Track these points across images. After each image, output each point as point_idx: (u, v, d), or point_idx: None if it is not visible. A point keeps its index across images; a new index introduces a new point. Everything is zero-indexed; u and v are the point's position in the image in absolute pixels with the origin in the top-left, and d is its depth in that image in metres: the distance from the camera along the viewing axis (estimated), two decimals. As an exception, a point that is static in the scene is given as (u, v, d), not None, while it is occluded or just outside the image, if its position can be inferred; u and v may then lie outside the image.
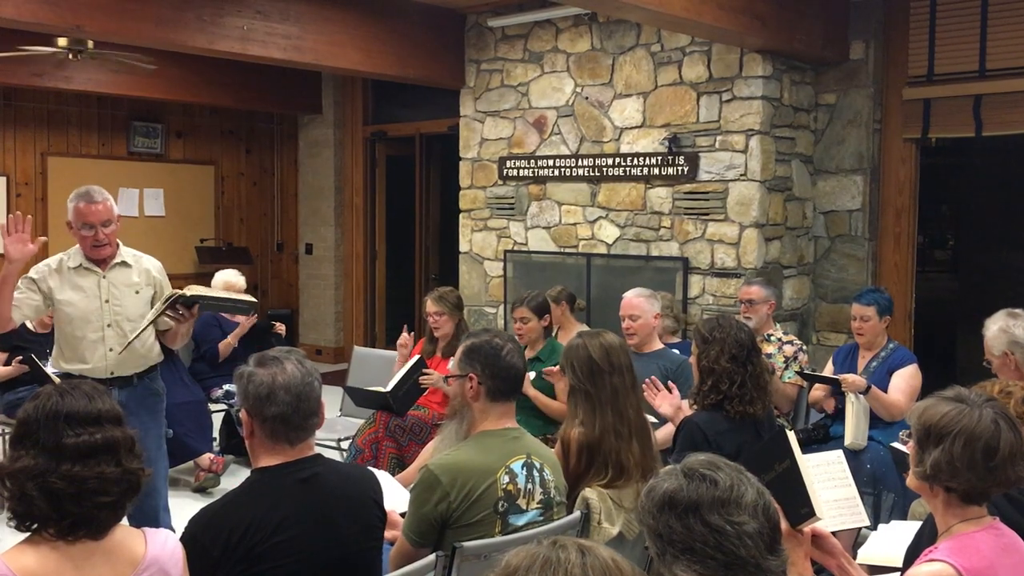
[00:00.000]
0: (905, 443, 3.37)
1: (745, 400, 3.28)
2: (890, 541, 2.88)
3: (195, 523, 2.18)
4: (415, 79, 7.25)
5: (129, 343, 3.68)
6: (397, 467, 4.46)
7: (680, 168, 6.19)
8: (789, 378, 4.77)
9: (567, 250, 6.85)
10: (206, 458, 5.49)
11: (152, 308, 3.88)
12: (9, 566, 1.76)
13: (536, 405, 4.56)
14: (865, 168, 6.18)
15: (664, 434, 3.83)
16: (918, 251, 6.40)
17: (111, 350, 3.74)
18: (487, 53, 7.23)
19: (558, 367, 4.00)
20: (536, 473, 2.72)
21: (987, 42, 5.73)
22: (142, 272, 3.87)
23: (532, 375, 4.66)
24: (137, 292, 3.83)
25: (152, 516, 3.78)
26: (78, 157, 8.46)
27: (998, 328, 3.57)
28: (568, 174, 6.77)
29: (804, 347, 4.99)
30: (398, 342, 4.98)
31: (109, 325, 3.75)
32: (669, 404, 3.63)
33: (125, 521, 1.96)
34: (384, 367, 5.33)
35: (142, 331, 3.65)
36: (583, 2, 5.19)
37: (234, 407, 5.73)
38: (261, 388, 2.22)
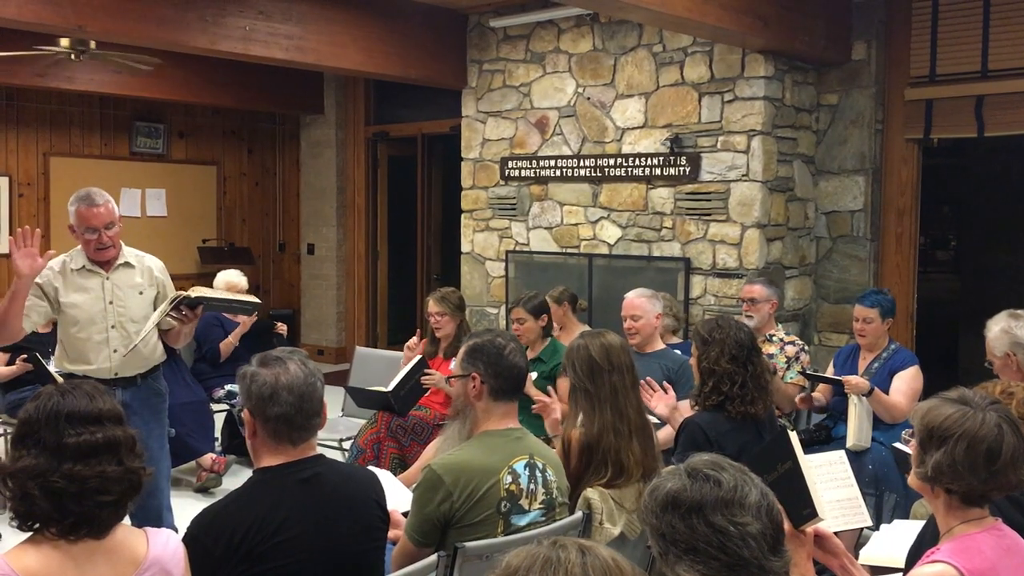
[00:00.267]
0: (907, 443, 3.36)
1: (746, 400, 3.28)
2: (892, 541, 2.88)
3: (197, 523, 2.18)
4: (417, 79, 7.25)
5: (134, 346, 3.68)
6: (399, 467, 4.46)
7: (682, 168, 6.19)
8: (791, 378, 4.76)
9: (569, 250, 6.86)
10: (208, 458, 5.49)
11: (155, 308, 3.89)
12: (11, 565, 1.77)
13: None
14: (867, 168, 6.18)
15: (665, 435, 3.83)
16: (920, 252, 6.40)
17: (115, 351, 3.75)
18: (489, 53, 7.23)
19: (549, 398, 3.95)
20: (539, 473, 2.72)
21: (989, 43, 5.72)
22: (145, 272, 3.87)
23: (534, 375, 4.66)
24: (141, 293, 3.84)
25: (155, 516, 3.78)
26: (80, 157, 8.47)
27: (1000, 329, 3.56)
28: (570, 174, 6.77)
29: (806, 347, 4.99)
30: (407, 344, 4.98)
31: (113, 326, 3.75)
32: (664, 405, 3.65)
33: (127, 521, 1.96)
34: (386, 367, 5.33)
35: (147, 334, 3.65)
36: (585, 2, 5.19)
37: (236, 407, 5.73)
38: (264, 388, 2.22)
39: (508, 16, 6.99)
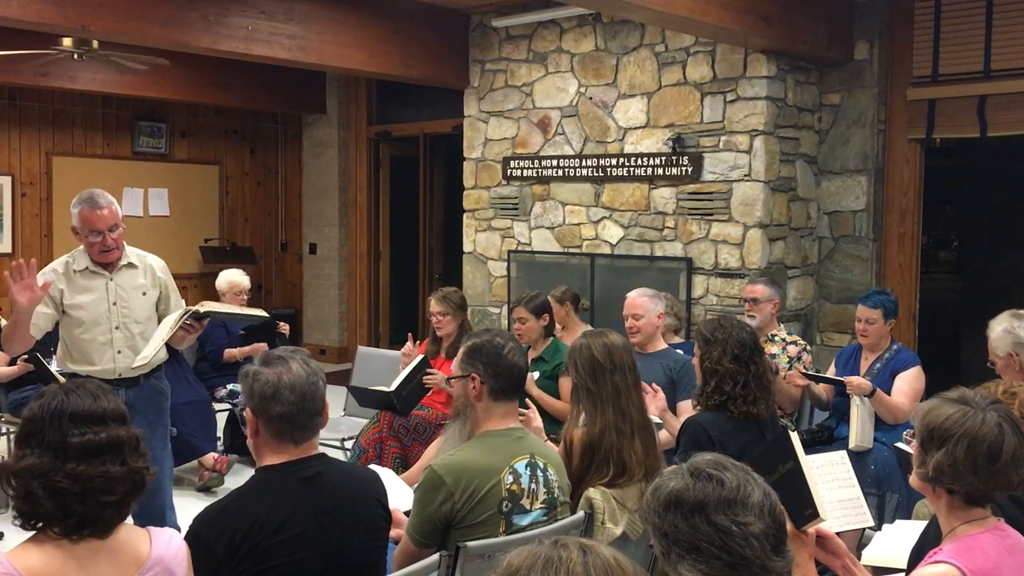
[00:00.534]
0: (909, 443, 3.36)
1: (748, 400, 3.28)
2: (894, 542, 2.87)
3: (199, 522, 2.19)
4: (419, 79, 7.26)
5: (144, 361, 3.68)
6: (401, 467, 4.46)
7: (684, 168, 6.19)
8: (793, 378, 4.76)
9: (571, 250, 6.86)
10: (210, 457, 5.50)
11: (157, 309, 3.91)
12: (14, 564, 1.77)
13: (540, 405, 4.56)
14: (869, 169, 6.17)
15: (666, 435, 3.83)
16: (922, 252, 6.39)
17: (119, 352, 3.76)
18: (491, 53, 7.23)
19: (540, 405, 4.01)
20: (540, 473, 2.72)
21: (992, 43, 5.72)
22: (148, 272, 3.88)
23: (536, 375, 4.67)
24: (144, 294, 3.85)
25: (158, 515, 3.79)
26: (83, 157, 8.47)
27: (1002, 329, 3.56)
28: (572, 174, 6.77)
29: (808, 347, 4.98)
30: (402, 351, 4.98)
31: (117, 327, 3.76)
32: (655, 407, 3.70)
33: (130, 520, 1.96)
34: (388, 367, 5.33)
35: (156, 350, 3.66)
36: (587, 2, 5.19)
37: (238, 406, 5.74)
38: (266, 387, 2.23)
39: (510, 16, 6.99)
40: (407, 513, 2.70)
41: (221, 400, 5.92)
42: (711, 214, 6.13)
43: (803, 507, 2.01)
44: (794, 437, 2.12)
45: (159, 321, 3.92)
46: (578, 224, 6.81)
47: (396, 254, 9.57)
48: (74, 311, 3.72)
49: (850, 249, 6.28)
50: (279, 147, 9.94)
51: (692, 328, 5.88)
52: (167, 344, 3.96)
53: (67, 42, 5.93)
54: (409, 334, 5.12)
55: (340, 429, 5.41)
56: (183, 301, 4.10)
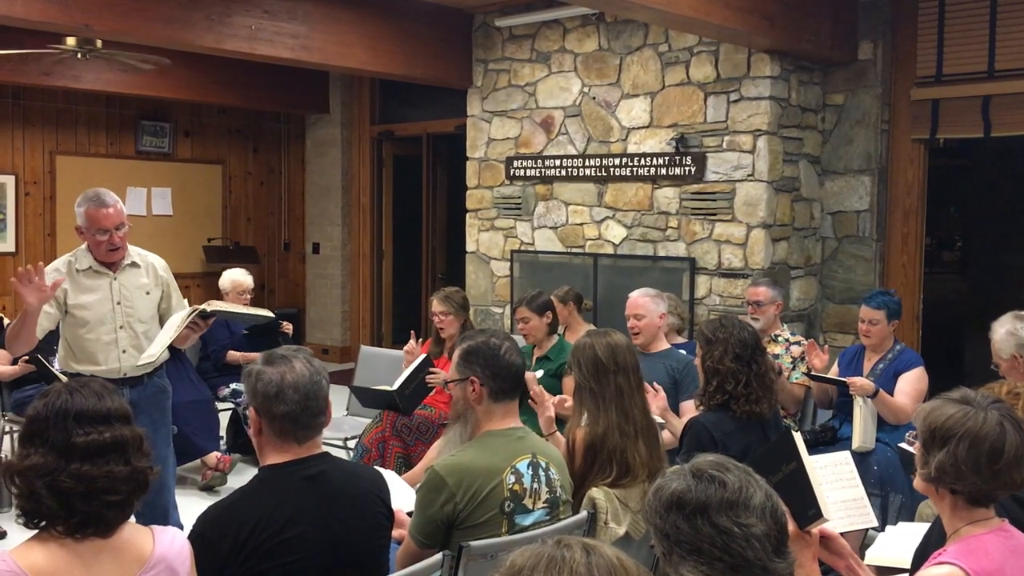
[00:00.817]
0: (912, 444, 3.36)
1: (751, 399, 3.28)
2: (898, 542, 2.87)
3: (203, 521, 2.19)
4: (422, 79, 7.26)
5: (152, 360, 3.69)
6: (403, 466, 4.46)
7: (687, 168, 6.18)
8: (796, 379, 4.76)
9: (574, 250, 6.85)
10: (213, 457, 5.51)
11: (159, 308, 3.92)
12: (18, 563, 1.77)
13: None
14: (873, 169, 6.17)
15: (668, 435, 3.83)
16: (926, 252, 6.38)
17: (124, 351, 3.76)
18: (494, 53, 7.23)
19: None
20: (542, 472, 2.71)
21: (996, 43, 5.71)
22: (150, 272, 3.89)
23: (540, 373, 4.66)
24: (147, 293, 3.85)
25: (162, 513, 3.80)
26: (86, 156, 8.48)
27: (1006, 331, 3.55)
28: (575, 174, 6.77)
29: (814, 342, 4.96)
30: (405, 348, 4.98)
31: (121, 327, 3.76)
32: (656, 406, 3.71)
33: (133, 518, 1.96)
34: (390, 366, 5.33)
35: (163, 349, 3.67)
36: (591, 2, 5.19)
37: (241, 406, 5.75)
38: (270, 387, 2.23)
39: (514, 15, 6.98)
40: (409, 514, 2.70)
41: (224, 399, 5.92)
42: (714, 214, 6.12)
43: (807, 507, 2.01)
44: (797, 437, 2.12)
45: (160, 321, 3.93)
46: (581, 224, 6.80)
47: (399, 254, 9.57)
48: (78, 311, 3.71)
49: (853, 249, 6.28)
50: (282, 147, 9.95)
51: (695, 328, 5.88)
52: (176, 344, 3.97)
53: (71, 41, 5.93)
54: (412, 332, 5.13)
55: (343, 429, 5.41)
56: (185, 301, 4.11)
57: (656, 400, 3.76)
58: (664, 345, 4.54)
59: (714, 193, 6.11)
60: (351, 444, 5.24)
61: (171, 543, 1.96)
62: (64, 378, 3.84)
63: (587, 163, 6.70)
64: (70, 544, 1.81)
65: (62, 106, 8.32)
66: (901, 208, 6.19)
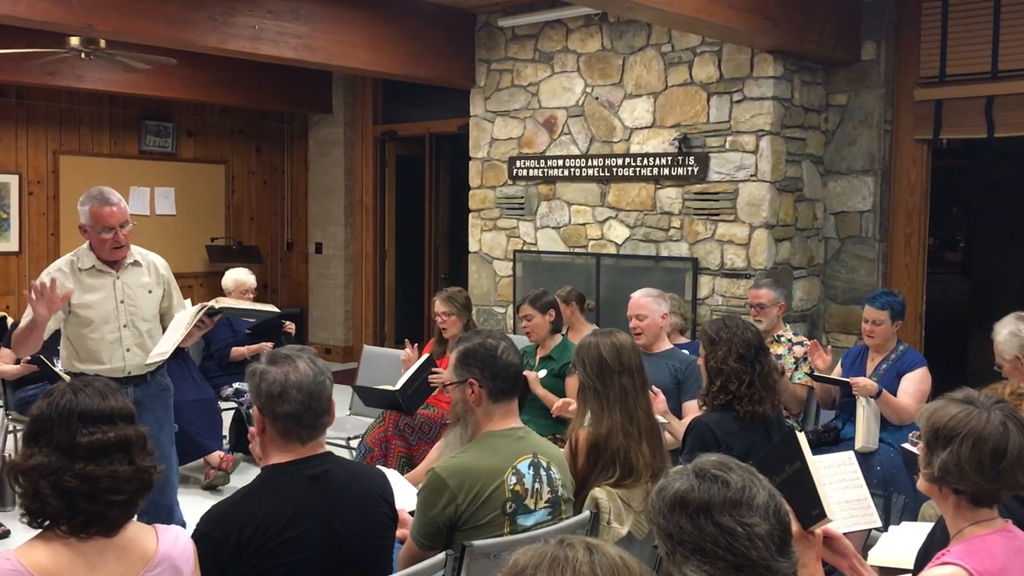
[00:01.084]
0: (915, 444, 3.36)
1: (754, 399, 3.28)
2: (901, 543, 2.87)
3: (206, 520, 2.19)
4: (425, 79, 7.26)
5: (165, 354, 3.71)
6: (406, 466, 4.46)
7: (690, 168, 6.18)
8: (799, 379, 4.75)
9: (576, 250, 6.85)
10: (216, 456, 5.51)
11: (161, 307, 3.92)
12: (22, 562, 1.77)
13: (545, 404, 4.56)
14: (876, 169, 6.16)
15: (669, 437, 3.83)
16: (928, 253, 6.38)
17: (128, 350, 3.77)
18: (497, 53, 7.23)
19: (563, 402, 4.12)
20: (543, 472, 2.71)
21: (999, 43, 5.70)
22: (152, 270, 3.90)
23: (543, 373, 4.67)
24: (150, 292, 3.86)
25: (166, 511, 3.81)
26: (90, 156, 8.50)
27: (1008, 332, 3.55)
28: (578, 174, 6.77)
29: (817, 343, 4.96)
30: (401, 358, 4.97)
31: (125, 325, 3.77)
32: (656, 410, 3.70)
33: (136, 517, 1.96)
34: (393, 366, 5.33)
35: (175, 345, 3.69)
36: (594, 2, 5.19)
37: (244, 405, 5.75)
38: (273, 386, 2.23)
39: (517, 15, 6.99)
40: (412, 513, 2.70)
41: (227, 399, 5.92)
42: (717, 214, 6.12)
43: (810, 507, 2.01)
44: (801, 437, 2.11)
45: (162, 320, 3.94)
46: (584, 224, 6.80)
47: (401, 253, 9.57)
48: (82, 310, 3.72)
49: (856, 250, 6.27)
50: (285, 146, 9.96)
51: (697, 328, 5.88)
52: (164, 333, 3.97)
53: (74, 41, 5.94)
54: (407, 340, 5.11)
55: (345, 428, 5.41)
56: (188, 301, 4.11)
57: (656, 403, 3.75)
58: (667, 345, 4.54)
59: (717, 193, 6.11)
60: (354, 444, 5.24)
61: (175, 542, 1.96)
62: (67, 378, 3.84)
63: (590, 163, 6.70)
64: (74, 543, 1.81)
65: (66, 106, 8.33)
66: (904, 209, 6.18)
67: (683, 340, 5.19)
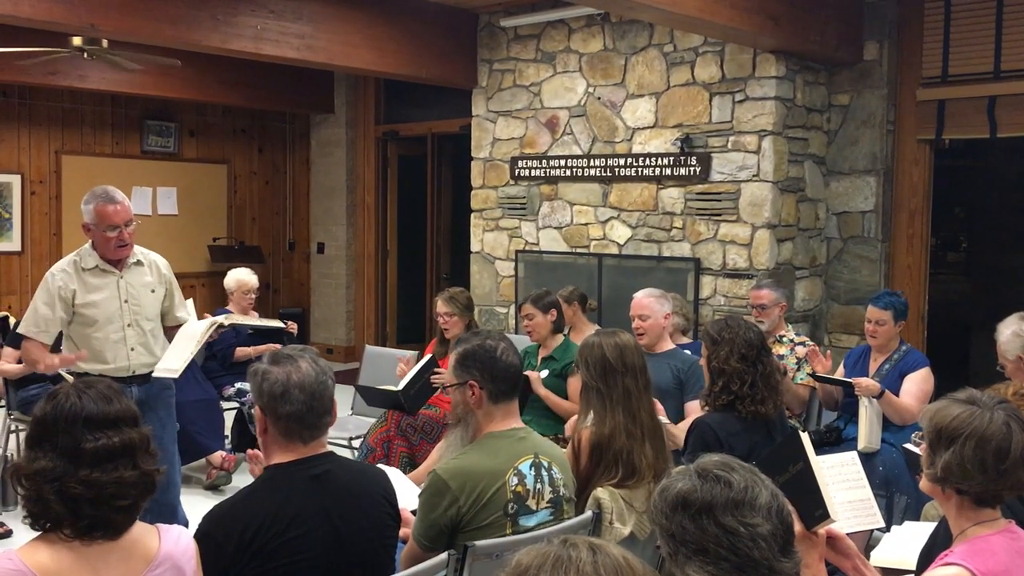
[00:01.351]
0: (918, 445, 3.35)
1: (756, 400, 3.28)
2: (903, 543, 2.87)
3: (208, 520, 2.19)
4: (427, 79, 7.26)
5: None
6: (408, 466, 4.46)
7: (692, 169, 6.18)
8: (801, 379, 4.75)
9: (578, 250, 6.85)
10: (218, 456, 5.51)
11: (162, 306, 3.94)
12: (25, 561, 1.77)
13: (547, 404, 4.56)
14: (878, 169, 6.16)
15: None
16: (931, 253, 6.37)
17: (132, 349, 3.78)
18: (499, 53, 7.23)
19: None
20: (544, 472, 2.70)
21: (1002, 43, 5.70)
22: (154, 270, 3.91)
23: (545, 373, 4.66)
24: (152, 291, 3.87)
25: (169, 510, 3.82)
26: (92, 156, 8.50)
27: (1011, 332, 3.54)
28: (580, 174, 6.77)
29: (816, 348, 4.97)
30: (396, 373, 4.95)
31: (129, 325, 3.78)
32: None
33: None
34: (395, 366, 5.33)
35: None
36: (596, 2, 5.19)
37: (246, 405, 5.75)
38: (276, 386, 2.23)
39: (519, 16, 6.99)
40: (414, 512, 2.70)
41: (229, 399, 5.92)
42: (719, 214, 6.12)
43: (814, 508, 2.01)
44: (804, 438, 2.11)
45: (162, 320, 3.95)
46: (586, 224, 6.80)
47: (403, 253, 9.57)
48: (86, 310, 3.73)
49: (859, 250, 6.27)
50: (287, 146, 9.96)
51: (700, 328, 5.87)
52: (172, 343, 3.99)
53: (77, 41, 5.94)
54: (398, 359, 5.08)
55: (348, 428, 5.41)
56: (190, 301, 4.12)
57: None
58: (669, 345, 4.53)
59: (719, 193, 6.11)
60: (356, 443, 5.24)
61: (177, 541, 1.96)
62: (70, 377, 3.85)
63: (592, 163, 6.69)
64: (77, 546, 1.80)
65: (68, 106, 8.34)
66: (906, 209, 6.18)
67: (685, 340, 5.18)
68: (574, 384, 4.41)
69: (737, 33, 5.37)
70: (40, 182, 8.25)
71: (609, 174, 6.61)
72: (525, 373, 4.31)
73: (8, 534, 4.66)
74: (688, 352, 4.57)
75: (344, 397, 4.84)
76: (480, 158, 7.43)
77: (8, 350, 5.39)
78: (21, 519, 1.87)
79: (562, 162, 6.86)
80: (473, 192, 7.48)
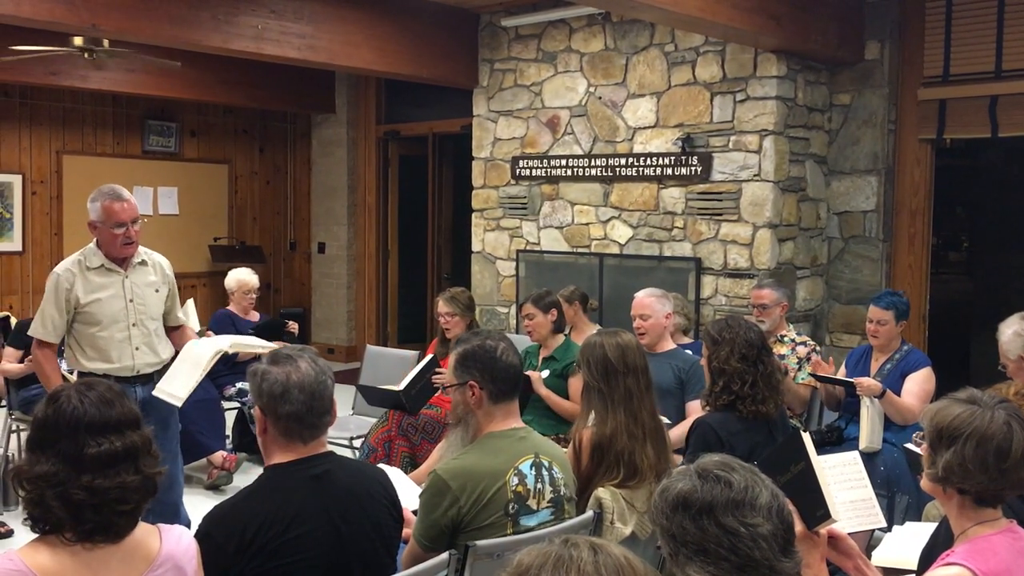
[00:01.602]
0: (919, 445, 3.35)
1: (757, 399, 3.28)
2: (904, 543, 2.86)
3: (209, 520, 2.19)
4: (428, 79, 7.26)
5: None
6: (409, 466, 4.46)
7: (693, 168, 6.18)
8: (803, 379, 4.74)
9: (579, 250, 6.85)
10: (219, 456, 5.51)
11: (164, 306, 3.95)
12: (25, 562, 1.76)
13: (548, 404, 4.56)
14: (880, 169, 6.15)
15: (675, 434, 3.82)
16: (932, 253, 6.37)
17: (137, 349, 3.79)
18: (500, 53, 7.23)
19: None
20: (545, 472, 2.70)
21: (1003, 42, 5.70)
22: (157, 270, 3.92)
23: (546, 373, 4.66)
24: (156, 291, 3.89)
25: (172, 510, 3.83)
26: (93, 156, 8.50)
27: (1013, 332, 3.54)
28: (581, 174, 6.77)
29: (818, 348, 4.96)
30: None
31: (134, 324, 3.78)
32: None
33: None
34: (396, 366, 5.34)
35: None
36: (597, 2, 5.19)
37: (247, 405, 5.75)
38: (275, 386, 2.23)
39: (520, 15, 6.99)
40: (415, 512, 2.70)
41: (230, 399, 5.93)
42: (720, 214, 6.11)
43: (815, 508, 2.00)
44: (806, 438, 2.11)
45: (164, 319, 3.96)
46: (587, 224, 6.80)
47: (405, 253, 9.57)
48: (91, 308, 3.73)
49: (860, 250, 6.26)
50: (288, 146, 9.96)
51: (701, 328, 5.87)
52: (174, 345, 3.99)
53: (78, 41, 5.94)
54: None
55: (349, 428, 5.41)
56: (190, 301, 4.13)
57: None
58: (670, 345, 4.53)
59: (720, 193, 6.10)
60: (357, 443, 5.24)
61: (178, 541, 1.95)
62: (72, 377, 3.85)
63: (593, 163, 6.69)
64: (78, 548, 1.79)
65: (69, 106, 8.34)
66: (908, 208, 6.18)
67: (686, 340, 5.18)
68: (575, 384, 4.40)
69: (738, 33, 5.37)
70: (41, 182, 8.25)
71: (610, 174, 6.60)
72: (526, 373, 4.32)
73: (9, 534, 4.66)
74: (689, 352, 4.57)
75: (345, 397, 4.86)
76: (481, 158, 7.43)
77: (9, 350, 5.39)
78: (22, 519, 1.86)
79: (563, 162, 6.86)
80: (474, 192, 7.48)
